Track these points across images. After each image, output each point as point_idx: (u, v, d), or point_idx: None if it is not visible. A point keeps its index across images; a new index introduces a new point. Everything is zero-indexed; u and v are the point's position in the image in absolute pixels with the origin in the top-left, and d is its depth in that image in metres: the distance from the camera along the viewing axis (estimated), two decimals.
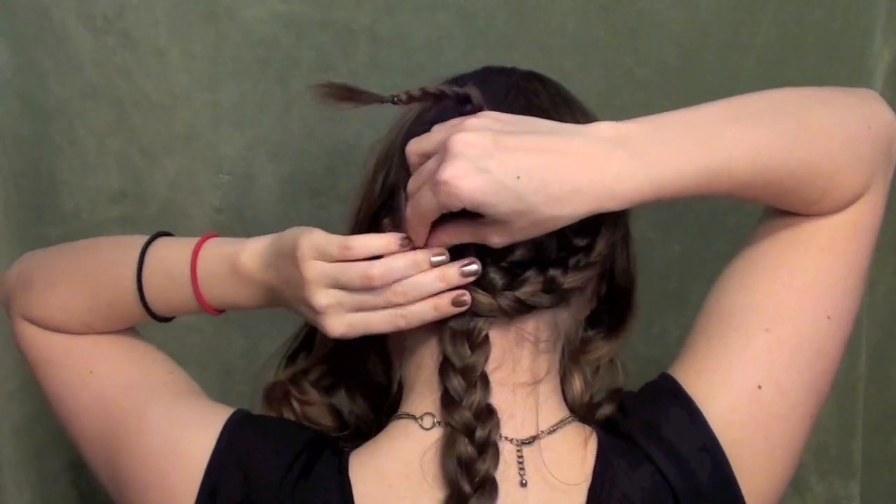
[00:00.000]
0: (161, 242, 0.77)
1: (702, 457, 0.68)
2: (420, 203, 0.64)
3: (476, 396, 0.66)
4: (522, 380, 0.70)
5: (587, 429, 0.71)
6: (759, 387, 0.69)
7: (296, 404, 0.77)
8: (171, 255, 0.75)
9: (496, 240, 0.64)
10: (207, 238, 0.75)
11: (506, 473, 0.67)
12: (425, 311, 0.66)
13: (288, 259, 0.68)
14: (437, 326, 0.68)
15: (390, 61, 1.02)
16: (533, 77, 0.75)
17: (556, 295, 0.68)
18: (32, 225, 1.05)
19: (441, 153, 0.62)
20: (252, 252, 0.71)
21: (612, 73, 1.05)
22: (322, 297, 0.66)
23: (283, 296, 0.70)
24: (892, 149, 0.72)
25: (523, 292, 0.67)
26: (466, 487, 0.64)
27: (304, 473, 0.68)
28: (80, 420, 0.77)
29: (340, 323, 0.67)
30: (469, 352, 0.67)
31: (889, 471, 1.17)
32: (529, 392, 0.70)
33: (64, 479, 1.12)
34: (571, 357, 0.75)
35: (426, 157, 0.66)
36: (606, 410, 0.74)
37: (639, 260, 0.77)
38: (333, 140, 1.02)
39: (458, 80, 0.73)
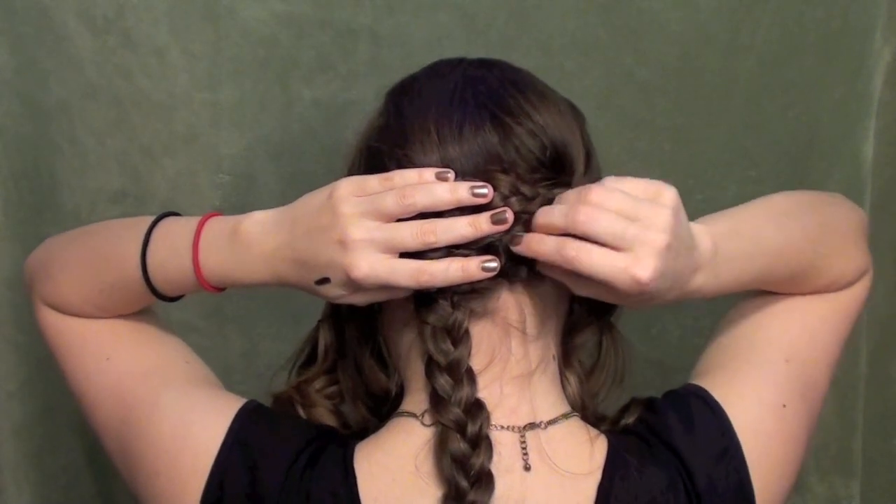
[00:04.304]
0: (168, 220, 0.77)
1: (723, 459, 0.70)
2: (591, 258, 0.64)
3: (464, 392, 0.67)
4: (517, 372, 0.70)
5: (593, 429, 0.72)
6: (784, 406, 0.74)
7: (301, 410, 0.78)
8: (176, 230, 0.75)
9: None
10: (214, 214, 0.75)
11: (509, 462, 0.68)
12: (452, 270, 0.66)
13: (316, 209, 0.67)
14: (420, 326, 0.69)
15: (390, 61, 1.02)
16: (481, 65, 0.75)
17: (521, 265, 0.69)
18: (32, 225, 1.05)
19: (642, 229, 0.65)
20: (255, 220, 0.71)
21: (612, 73, 1.05)
22: (356, 230, 0.65)
23: (296, 253, 0.68)
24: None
25: None
26: (463, 483, 0.65)
27: (310, 463, 0.69)
28: (96, 404, 0.78)
29: (366, 261, 0.65)
30: (452, 347, 0.68)
31: (889, 471, 1.17)
32: (525, 384, 0.70)
33: (64, 479, 1.12)
34: (565, 349, 0.75)
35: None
36: (630, 419, 0.75)
37: None
38: (333, 140, 1.02)
39: (407, 82, 0.75)
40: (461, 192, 0.66)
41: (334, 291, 0.69)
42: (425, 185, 0.66)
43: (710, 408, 0.72)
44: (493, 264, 0.66)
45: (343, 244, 0.66)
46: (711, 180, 1.09)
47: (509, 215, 0.66)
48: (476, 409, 0.67)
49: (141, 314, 0.82)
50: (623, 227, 0.64)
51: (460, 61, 0.76)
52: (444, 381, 0.67)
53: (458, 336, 0.68)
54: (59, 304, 0.81)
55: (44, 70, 1.01)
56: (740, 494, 0.70)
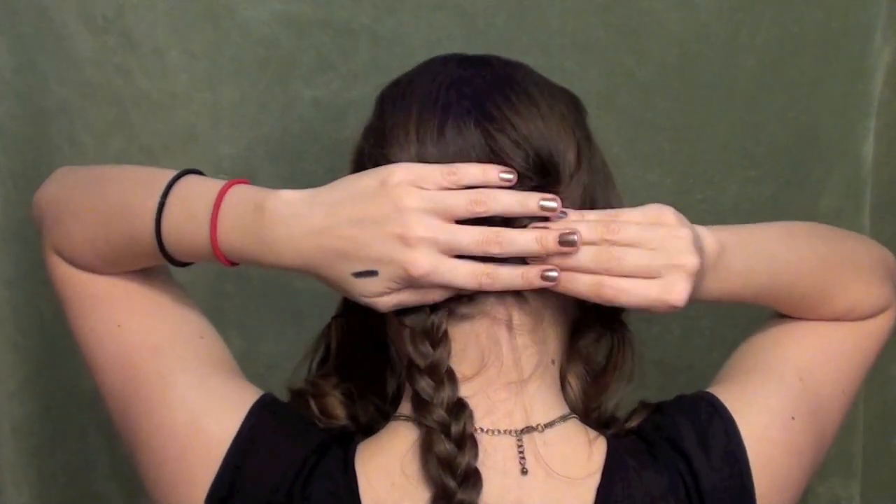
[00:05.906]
0: (190, 179, 0.73)
1: (727, 462, 0.70)
2: (629, 294, 0.66)
3: (445, 393, 0.67)
4: (511, 377, 0.70)
5: (592, 431, 0.71)
6: (793, 418, 0.74)
7: (313, 403, 0.76)
8: (196, 192, 0.71)
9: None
10: (239, 181, 0.71)
11: (506, 466, 0.68)
12: (512, 276, 0.66)
13: (366, 195, 0.64)
14: (399, 330, 0.69)
15: (390, 61, 1.02)
16: (472, 63, 0.74)
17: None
18: (32, 225, 1.04)
19: (669, 257, 0.66)
20: (284, 199, 0.67)
21: (612, 73, 1.05)
22: (420, 228, 0.63)
23: (338, 242, 0.65)
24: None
25: None
26: (451, 483, 0.65)
27: (314, 467, 0.68)
28: (104, 370, 0.75)
29: (428, 260, 0.63)
30: (431, 349, 0.67)
31: (889, 471, 1.17)
32: (520, 390, 0.70)
33: (63, 478, 1.12)
34: (568, 354, 0.75)
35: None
36: (634, 422, 0.74)
37: None
38: (333, 140, 1.02)
39: (395, 82, 0.74)
40: (531, 204, 0.66)
41: (375, 287, 0.65)
42: (494, 193, 0.65)
43: (717, 412, 0.72)
44: (553, 273, 0.66)
45: (404, 240, 0.63)
46: (711, 180, 1.09)
47: (578, 237, 0.65)
48: (459, 408, 0.67)
49: (156, 277, 0.78)
50: (649, 259, 0.66)
51: (451, 59, 0.75)
52: (425, 384, 0.67)
53: (437, 338, 0.67)
54: (70, 255, 0.76)
55: (44, 70, 1.01)
56: (741, 498, 0.70)
